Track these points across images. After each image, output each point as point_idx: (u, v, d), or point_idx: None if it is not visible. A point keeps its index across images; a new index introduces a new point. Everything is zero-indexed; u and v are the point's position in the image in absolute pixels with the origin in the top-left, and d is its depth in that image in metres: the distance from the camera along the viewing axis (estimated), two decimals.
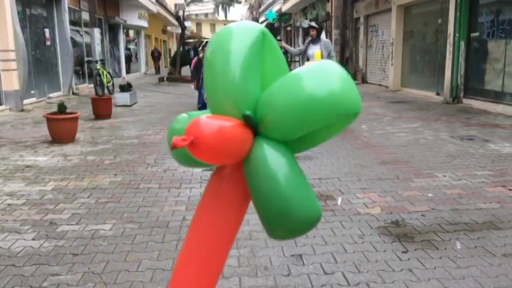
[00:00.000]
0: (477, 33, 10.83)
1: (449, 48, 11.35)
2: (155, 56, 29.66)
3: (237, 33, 1.67)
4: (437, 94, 12.38)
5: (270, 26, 41.50)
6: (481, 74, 10.75)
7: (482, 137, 7.27)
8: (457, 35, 11.16)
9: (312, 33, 8.16)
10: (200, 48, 13.05)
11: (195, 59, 11.96)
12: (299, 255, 3.26)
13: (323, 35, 8.52)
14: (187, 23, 45.04)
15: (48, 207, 4.35)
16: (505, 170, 5.31)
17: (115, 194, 4.76)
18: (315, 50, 7.72)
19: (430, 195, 4.49)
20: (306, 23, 8.62)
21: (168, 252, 3.36)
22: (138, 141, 7.70)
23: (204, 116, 1.56)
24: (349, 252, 3.27)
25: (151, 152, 6.77)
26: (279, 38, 40.27)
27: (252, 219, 3.93)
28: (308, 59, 7.81)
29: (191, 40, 37.40)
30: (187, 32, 49.12)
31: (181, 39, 24.96)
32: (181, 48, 25.16)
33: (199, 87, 10.81)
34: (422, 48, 13.76)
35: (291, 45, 33.64)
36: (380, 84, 16.62)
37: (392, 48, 14.98)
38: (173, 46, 50.57)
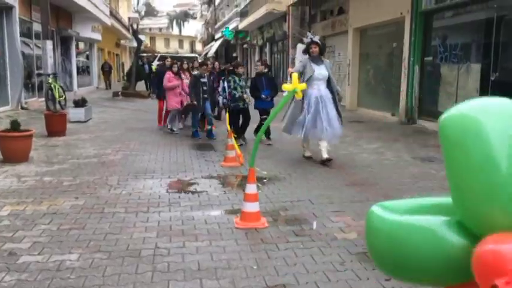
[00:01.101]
0: (430, 58, 11.28)
1: (404, 71, 11.74)
2: (105, 70, 28.51)
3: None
4: (393, 115, 12.74)
5: (226, 43, 41.72)
6: (434, 97, 11.16)
7: (441, 159, 7.46)
8: (411, 58, 11.58)
9: (313, 49, 7.04)
10: (181, 63, 11.76)
11: (189, 76, 10.60)
12: (282, 285, 3.16)
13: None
14: (141, 37, 44.44)
15: (5, 235, 4.02)
16: None
17: (78, 220, 4.49)
18: (319, 71, 6.89)
19: None
20: (307, 37, 7.22)
21: (143, 285, 3.16)
22: (97, 160, 7.38)
23: None
24: (333, 281, 3.20)
25: (112, 173, 6.48)
26: (234, 54, 40.55)
27: (228, 245, 3.81)
28: (306, 81, 6.70)
29: (145, 54, 36.75)
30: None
31: (137, 53, 24.47)
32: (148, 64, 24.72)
33: (203, 105, 9.55)
34: (378, 70, 14.17)
35: (246, 63, 33.85)
36: None
37: (349, 69, 15.34)
38: (126, 60, 49.70)
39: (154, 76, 12.89)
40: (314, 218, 4.53)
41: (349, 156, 7.71)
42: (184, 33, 79.85)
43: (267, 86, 8.93)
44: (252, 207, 4.40)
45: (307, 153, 7.45)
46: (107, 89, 27.17)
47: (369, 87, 14.83)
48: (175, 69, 10.52)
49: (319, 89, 6.97)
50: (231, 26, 35.72)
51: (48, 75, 14.42)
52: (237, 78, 8.97)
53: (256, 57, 32.33)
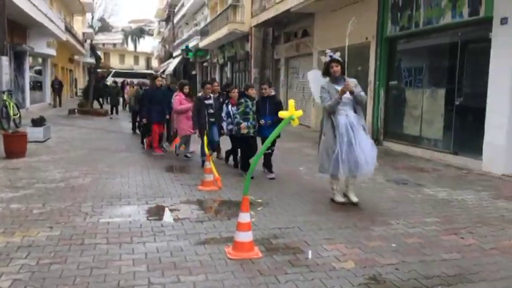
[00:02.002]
0: (395, 82, 11.60)
1: (370, 94, 11.99)
2: (55, 87, 27.02)
3: None
4: None
5: (185, 61, 41.44)
6: (399, 120, 11.46)
7: (414, 181, 7.63)
8: (377, 82, 11.87)
9: (334, 69, 5.95)
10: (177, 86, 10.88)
11: (186, 98, 9.71)
12: None
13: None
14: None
15: None
16: (449, 217, 5.54)
17: (58, 253, 4.18)
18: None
19: (393, 245, 4.51)
20: (326, 55, 6.10)
21: None
22: (65, 184, 7.00)
23: None
24: None
25: (84, 199, 6.15)
26: (194, 72, 40.33)
27: (225, 278, 3.63)
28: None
29: (99, 70, 35.85)
30: (93, 61, 47.47)
31: (96, 70, 23.84)
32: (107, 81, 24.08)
33: (209, 131, 8.43)
34: None
35: (206, 78, 33.64)
36: (301, 124, 17.07)
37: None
38: (80, 76, 48.33)
39: (132, 96, 12.00)
40: (307, 247, 4.43)
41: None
42: (139, 49, 78.81)
43: (270, 112, 7.67)
44: (245, 236, 4.25)
45: (340, 198, 6.07)
46: (55, 106, 26.06)
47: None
48: (186, 90, 9.76)
49: (348, 115, 5.88)
50: (191, 44, 35.57)
51: (3, 92, 13.77)
52: (250, 103, 7.78)
53: (217, 76, 32.30)
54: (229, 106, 8.19)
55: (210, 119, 8.46)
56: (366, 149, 5.80)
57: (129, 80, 26.94)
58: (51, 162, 8.85)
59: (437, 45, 10.21)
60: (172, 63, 46.49)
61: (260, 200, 5.47)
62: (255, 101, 7.90)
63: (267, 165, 7.90)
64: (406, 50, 11.49)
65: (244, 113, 7.72)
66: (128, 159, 9.50)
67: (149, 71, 51.52)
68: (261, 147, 4.35)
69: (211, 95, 8.65)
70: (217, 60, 31.71)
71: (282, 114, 4.11)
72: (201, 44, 31.65)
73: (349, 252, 4.30)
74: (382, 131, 11.92)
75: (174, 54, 47.38)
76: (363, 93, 6.04)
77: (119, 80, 28.79)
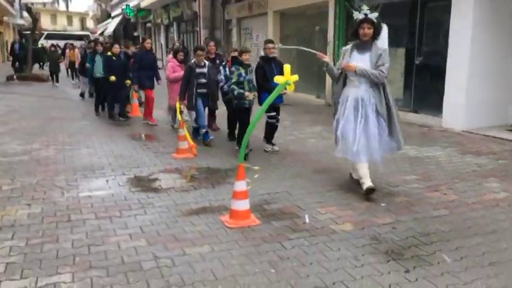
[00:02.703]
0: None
1: (329, 55, 12.01)
2: None
3: None
4: (318, 97, 13.06)
5: (126, 22, 39.58)
6: None
7: None
8: (336, 42, 11.89)
9: (365, 31, 4.70)
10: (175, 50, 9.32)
11: (179, 64, 8.69)
12: None
13: (383, 37, 4.97)
14: (26, 13, 40.66)
15: None
16: (427, 174, 5.75)
17: (46, 231, 3.95)
18: (358, 63, 4.71)
19: (383, 205, 4.63)
20: (361, 11, 4.78)
21: None
22: (29, 157, 6.58)
23: None
24: (358, 279, 3.16)
25: (55, 172, 5.82)
26: (136, 34, 38.68)
27: (231, 248, 3.57)
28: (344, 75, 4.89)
29: (29, 32, 33.45)
30: (25, 23, 44.26)
31: (33, 33, 22.27)
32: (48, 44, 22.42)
33: (194, 105, 7.41)
34: (300, 53, 14.34)
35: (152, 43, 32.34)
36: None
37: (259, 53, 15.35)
38: (10, 38, 45.03)
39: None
40: (302, 211, 4.45)
41: (299, 142, 7.73)
42: (72, 8, 74.20)
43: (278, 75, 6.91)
44: (242, 205, 4.20)
45: (355, 176, 5.26)
46: None
47: (292, 70, 14.95)
48: (180, 57, 8.75)
49: (359, 88, 4.82)
50: (132, 3, 33.90)
51: None
52: (242, 71, 6.63)
53: (162, 37, 31.20)
54: (227, 69, 7.69)
55: (199, 90, 7.37)
56: (370, 133, 4.76)
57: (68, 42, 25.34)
58: (6, 134, 8.28)
59: (397, 3, 10.27)
60: (112, 24, 44.24)
61: (257, 167, 5.25)
62: (250, 69, 6.77)
63: (268, 136, 7.08)
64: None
65: (238, 82, 6.60)
66: (88, 128, 9.05)
67: (85, 33, 48.91)
68: (257, 113, 4.20)
69: (206, 62, 7.56)
70: (162, 21, 30.49)
71: (277, 79, 4.00)
72: (143, 4, 30.22)
73: (344, 215, 4.37)
74: None
75: (113, 14, 45.06)
76: (375, 72, 4.71)
77: (54, 43, 26.97)
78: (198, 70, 7.37)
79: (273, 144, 7.06)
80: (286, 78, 3.94)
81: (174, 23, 27.94)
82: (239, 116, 6.79)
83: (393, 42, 10.33)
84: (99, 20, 60.94)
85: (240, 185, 4.20)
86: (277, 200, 4.78)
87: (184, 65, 8.45)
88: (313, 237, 3.84)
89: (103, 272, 3.24)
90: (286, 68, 3.96)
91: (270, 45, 6.87)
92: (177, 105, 7.01)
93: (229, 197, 4.84)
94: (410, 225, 4.09)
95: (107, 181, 5.48)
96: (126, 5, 34.33)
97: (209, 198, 4.85)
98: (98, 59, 10.54)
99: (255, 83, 6.85)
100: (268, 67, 6.71)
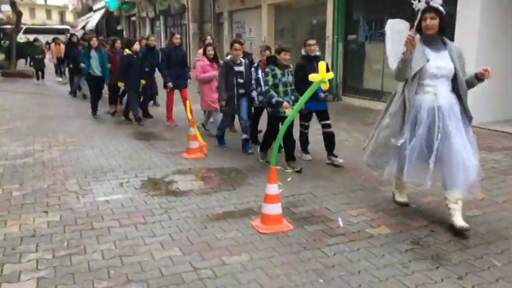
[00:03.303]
0: (354, 36, 11.57)
1: (328, 49, 11.90)
2: None
3: None
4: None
5: (108, 15, 38.83)
6: (359, 75, 11.52)
7: None
8: (335, 36, 11.77)
9: (428, 22, 3.83)
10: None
11: (210, 63, 7.64)
12: None
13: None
14: (4, 7, 39.65)
15: None
16: None
17: (71, 242, 3.74)
18: (438, 62, 3.84)
19: (414, 206, 4.52)
20: (422, 0, 3.99)
21: None
22: (32, 160, 6.32)
23: None
24: None
25: (65, 176, 5.58)
26: (119, 27, 37.97)
27: (271, 256, 3.42)
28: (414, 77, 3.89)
29: (8, 26, 32.44)
30: (3, 17, 43.08)
31: (17, 28, 21.61)
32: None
33: (238, 104, 6.65)
34: (297, 47, 14.18)
35: (133, 37, 31.76)
36: None
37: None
38: None
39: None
40: (332, 214, 4.32)
41: (313, 141, 7.56)
42: (51, 2, 72.63)
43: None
44: (274, 209, 4.05)
45: (400, 198, 4.55)
46: None
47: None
48: (210, 52, 7.50)
49: (437, 95, 3.89)
50: None
51: None
52: (278, 71, 5.71)
53: (147, 31, 30.66)
54: (259, 71, 6.57)
55: (240, 91, 6.59)
56: (457, 149, 3.80)
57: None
58: (2, 135, 7.96)
59: None
60: (94, 18, 43.36)
61: (289, 170, 4.98)
62: (288, 70, 5.82)
63: (328, 147, 6.14)
64: (366, 1, 11.37)
65: (274, 85, 5.73)
66: (88, 128, 8.76)
67: (65, 27, 47.83)
68: (291, 112, 4.01)
69: (242, 60, 6.73)
70: (147, 14, 29.99)
71: (312, 77, 3.83)
72: None
73: (376, 217, 4.25)
74: (341, 86, 11.96)
75: (95, 7, 44.17)
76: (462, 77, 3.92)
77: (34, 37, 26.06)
78: (235, 68, 6.59)
79: (335, 156, 6.06)
80: (322, 75, 3.77)
81: (161, 17, 27.47)
82: (271, 122, 5.95)
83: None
84: (79, 14, 59.61)
85: (273, 189, 4.04)
86: (304, 203, 4.63)
87: (212, 63, 7.57)
88: (352, 243, 3.71)
89: (143, 286, 3.06)
90: (321, 65, 3.79)
91: (311, 41, 5.97)
92: (187, 103, 6.77)
93: (254, 199, 4.75)
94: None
95: (121, 184, 5.26)
96: None
97: (233, 202, 4.68)
98: (94, 55, 10.11)
99: (293, 86, 5.86)
100: (310, 67, 5.62)
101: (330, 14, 11.84)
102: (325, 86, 3.92)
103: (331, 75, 3.85)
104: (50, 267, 3.30)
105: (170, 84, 8.57)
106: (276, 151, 4.12)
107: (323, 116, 6.10)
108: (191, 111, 6.74)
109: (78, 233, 3.91)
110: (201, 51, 8.35)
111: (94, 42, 10.27)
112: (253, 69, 6.89)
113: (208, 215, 4.34)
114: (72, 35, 14.89)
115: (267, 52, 6.91)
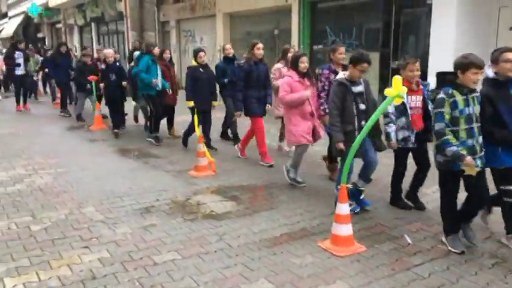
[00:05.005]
0: (321, 46, 11.71)
1: None
2: None
3: None
4: None
5: (26, 22, 36.22)
6: None
7: None
8: (301, 46, 11.83)
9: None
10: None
11: (301, 80, 5.44)
12: None
13: None
14: None
15: None
16: None
17: (144, 282, 3.33)
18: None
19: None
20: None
21: None
22: (26, 187, 5.66)
23: None
24: None
25: (78, 204, 5.03)
26: (40, 35, 35.56)
27: (365, 284, 3.27)
28: None
29: None
30: None
31: None
32: None
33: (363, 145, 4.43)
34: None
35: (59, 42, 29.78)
36: None
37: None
38: None
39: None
40: (393, 230, 4.26)
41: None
42: None
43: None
44: (346, 229, 3.89)
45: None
46: None
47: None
48: (303, 65, 5.39)
49: None
50: (38, 1, 31.07)
51: None
52: (459, 98, 3.68)
53: (75, 40, 28.99)
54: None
55: (362, 123, 4.58)
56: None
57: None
58: None
59: (369, 3, 10.37)
60: (10, 25, 40.22)
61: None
62: (475, 95, 3.73)
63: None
64: (333, 11, 11.51)
65: (453, 120, 3.70)
66: (61, 146, 8.02)
67: None
68: (363, 130, 3.82)
69: (361, 79, 4.71)
70: (75, 21, 28.38)
71: (388, 91, 3.73)
72: (52, 3, 27.83)
73: (436, 230, 4.21)
74: None
75: (10, 13, 41.04)
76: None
77: None
78: (353, 89, 4.65)
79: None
80: (398, 90, 3.67)
81: (93, 24, 26.10)
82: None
83: (365, 45, 10.56)
84: None
85: (344, 208, 3.88)
86: (356, 220, 4.50)
87: (304, 79, 5.44)
88: (437, 261, 3.65)
89: None
90: (396, 80, 3.70)
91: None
92: (195, 118, 6.36)
93: (300, 218, 4.60)
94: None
95: (148, 209, 4.82)
96: (32, 4, 31.42)
97: (283, 223, 4.45)
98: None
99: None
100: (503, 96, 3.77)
101: (295, 23, 11.88)
102: (397, 101, 3.84)
103: (405, 90, 3.78)
104: None
105: (238, 114, 6.79)
106: (347, 168, 3.96)
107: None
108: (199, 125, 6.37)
109: (143, 270, 3.49)
110: (279, 64, 7.09)
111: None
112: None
113: (267, 239, 4.09)
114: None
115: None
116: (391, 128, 4.51)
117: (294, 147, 5.80)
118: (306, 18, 11.75)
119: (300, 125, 5.44)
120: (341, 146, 4.51)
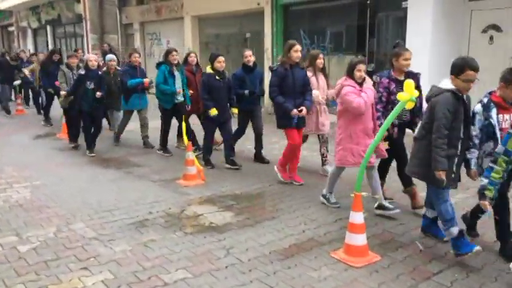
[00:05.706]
0: None
1: (267, 63, 11.81)
2: None
3: None
4: None
5: None
6: None
7: None
8: (274, 49, 11.74)
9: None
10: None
11: (361, 89, 4.71)
12: None
13: None
14: None
15: None
16: None
17: None
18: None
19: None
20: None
21: None
22: (3, 202, 5.21)
23: None
24: None
25: (66, 219, 4.68)
26: None
27: None
28: None
29: None
30: None
31: None
32: None
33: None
34: (227, 59, 13.85)
35: (14, 50, 28.49)
36: None
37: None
38: None
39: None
40: (401, 236, 4.19)
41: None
42: None
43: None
44: (360, 239, 3.78)
45: None
46: None
47: None
48: (360, 74, 4.70)
49: None
50: None
51: None
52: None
53: (29, 43, 27.74)
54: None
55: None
56: None
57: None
58: None
59: (343, 6, 10.39)
60: None
61: (377, 196, 4.60)
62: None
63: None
64: (306, 14, 11.47)
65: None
66: (29, 157, 7.54)
67: None
68: (377, 134, 3.73)
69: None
70: (29, 24, 27.15)
71: (400, 96, 3.65)
72: (4, 5, 26.50)
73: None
74: None
75: None
76: None
77: None
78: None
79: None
80: (410, 94, 3.60)
81: (48, 26, 25.03)
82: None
83: (339, 48, 10.59)
84: None
85: (358, 217, 3.77)
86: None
87: (361, 88, 4.69)
88: (453, 268, 3.60)
89: None
90: (408, 84, 3.63)
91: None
92: (183, 124, 6.09)
93: (305, 227, 4.47)
94: None
95: (142, 223, 4.54)
96: None
97: (289, 233, 4.30)
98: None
99: None
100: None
101: (268, 26, 11.78)
102: (409, 106, 3.77)
103: (417, 94, 3.72)
104: None
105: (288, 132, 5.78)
106: (360, 177, 3.85)
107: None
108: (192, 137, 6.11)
109: None
110: (309, 73, 5.95)
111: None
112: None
113: (277, 251, 3.92)
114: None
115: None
116: (473, 155, 3.79)
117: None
118: (279, 22, 11.69)
119: (362, 144, 4.68)
120: (443, 176, 3.58)
